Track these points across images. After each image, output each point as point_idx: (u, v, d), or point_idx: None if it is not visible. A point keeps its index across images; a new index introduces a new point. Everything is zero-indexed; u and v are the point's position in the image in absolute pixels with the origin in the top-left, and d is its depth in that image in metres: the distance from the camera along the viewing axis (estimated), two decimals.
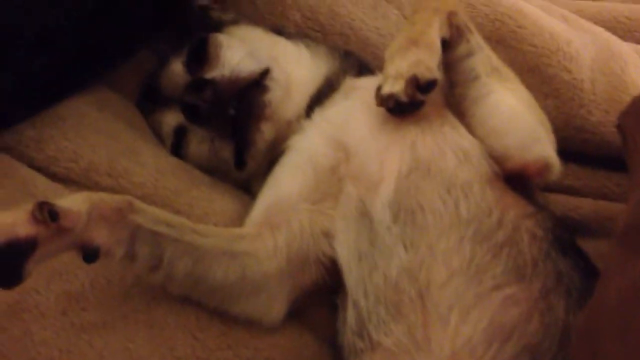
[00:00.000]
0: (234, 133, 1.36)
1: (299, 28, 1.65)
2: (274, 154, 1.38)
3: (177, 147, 1.46)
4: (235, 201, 1.40)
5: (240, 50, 1.41)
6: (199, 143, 1.42)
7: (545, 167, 1.24)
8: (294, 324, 1.27)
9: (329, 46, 1.56)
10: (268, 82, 1.37)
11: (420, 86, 1.18)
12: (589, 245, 1.28)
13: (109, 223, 1.09)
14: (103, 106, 1.49)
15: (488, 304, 1.08)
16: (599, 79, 1.53)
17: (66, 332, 1.16)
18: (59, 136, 1.39)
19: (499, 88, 1.27)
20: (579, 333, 1.00)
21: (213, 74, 1.35)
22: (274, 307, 1.24)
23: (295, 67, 1.46)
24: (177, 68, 1.45)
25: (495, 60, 1.31)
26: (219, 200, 1.38)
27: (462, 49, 1.28)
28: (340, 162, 1.29)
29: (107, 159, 1.38)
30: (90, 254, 1.08)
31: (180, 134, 1.45)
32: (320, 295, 1.29)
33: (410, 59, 1.20)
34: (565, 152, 1.30)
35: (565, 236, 1.23)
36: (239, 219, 1.34)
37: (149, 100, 1.54)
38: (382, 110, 1.24)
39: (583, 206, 1.51)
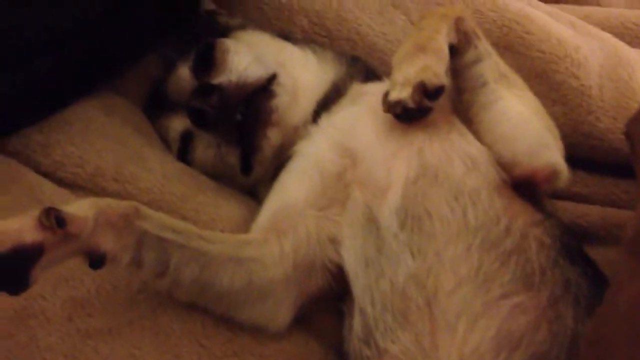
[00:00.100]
0: (241, 138, 1.35)
1: (305, 33, 1.65)
2: (281, 159, 1.38)
3: (184, 152, 1.46)
4: (242, 207, 1.40)
5: (247, 56, 1.41)
6: (205, 148, 1.42)
7: (554, 173, 1.24)
8: (300, 330, 1.27)
9: (336, 51, 1.56)
10: (275, 88, 1.37)
11: (427, 92, 1.18)
12: (596, 253, 1.28)
13: (116, 229, 1.09)
14: (110, 111, 1.49)
15: (496, 312, 1.07)
16: (606, 86, 1.52)
17: (72, 338, 1.16)
18: (65, 141, 1.39)
19: (507, 94, 1.27)
20: (588, 342, 1.00)
21: (220, 79, 1.35)
22: (280, 313, 1.23)
23: (302, 73, 1.46)
24: (184, 73, 1.45)
25: (503, 66, 1.31)
26: (225, 206, 1.38)
27: (470, 55, 1.28)
28: (347, 168, 1.29)
29: (113, 164, 1.38)
30: (96, 260, 1.07)
31: (186, 139, 1.45)
32: (327, 301, 1.28)
33: (418, 65, 1.20)
34: (573, 159, 1.29)
35: (573, 244, 1.22)
36: (245, 225, 1.33)
37: (156, 105, 1.54)
38: (389, 116, 1.23)
39: (591, 213, 1.50)
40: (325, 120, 1.38)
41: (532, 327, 1.07)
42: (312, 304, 1.27)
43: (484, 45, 1.29)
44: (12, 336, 1.15)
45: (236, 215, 1.37)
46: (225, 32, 1.55)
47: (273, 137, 1.37)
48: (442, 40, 1.24)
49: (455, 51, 1.26)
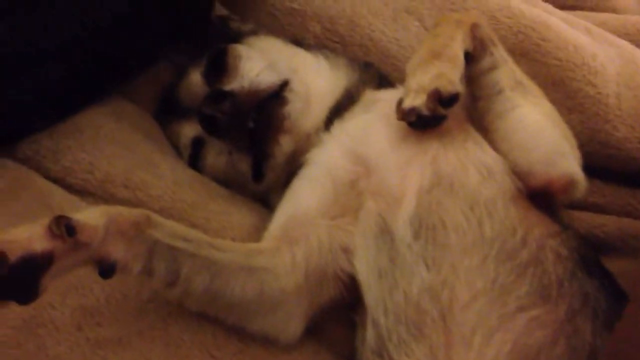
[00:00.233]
0: (252, 145, 1.34)
1: (318, 39, 1.64)
2: (293, 167, 1.36)
3: (195, 158, 1.45)
4: (253, 214, 1.39)
5: (259, 62, 1.39)
6: (216, 155, 1.41)
7: (571, 183, 1.22)
8: (311, 341, 1.25)
9: (349, 58, 1.55)
10: (287, 94, 1.36)
11: (442, 100, 1.17)
12: (613, 264, 1.25)
13: (127, 238, 1.07)
14: (120, 117, 1.49)
15: (512, 326, 1.05)
16: (624, 94, 1.50)
17: (81, 348, 1.15)
18: (75, 147, 1.39)
19: (523, 102, 1.25)
20: (607, 357, 0.98)
21: (232, 85, 1.35)
22: (292, 324, 1.22)
23: (314, 79, 1.44)
24: (195, 79, 1.44)
25: (519, 73, 1.29)
26: (236, 214, 1.37)
27: (485, 62, 1.27)
28: (360, 176, 1.27)
29: (123, 170, 1.37)
30: (106, 269, 1.06)
31: (197, 145, 1.44)
32: (338, 312, 1.27)
33: (433, 72, 1.18)
34: (590, 168, 1.27)
35: (591, 256, 1.20)
36: (257, 233, 1.32)
37: (167, 111, 1.53)
38: (402, 124, 1.22)
39: (607, 224, 1.48)
40: (337, 127, 1.36)
41: (549, 341, 1.05)
42: (324, 314, 1.26)
43: (499, 52, 1.28)
44: (21, 345, 1.14)
45: (247, 223, 1.36)
46: (238, 37, 1.54)
47: (285, 144, 1.35)
48: (458, 47, 1.22)
49: (470, 58, 1.25)
